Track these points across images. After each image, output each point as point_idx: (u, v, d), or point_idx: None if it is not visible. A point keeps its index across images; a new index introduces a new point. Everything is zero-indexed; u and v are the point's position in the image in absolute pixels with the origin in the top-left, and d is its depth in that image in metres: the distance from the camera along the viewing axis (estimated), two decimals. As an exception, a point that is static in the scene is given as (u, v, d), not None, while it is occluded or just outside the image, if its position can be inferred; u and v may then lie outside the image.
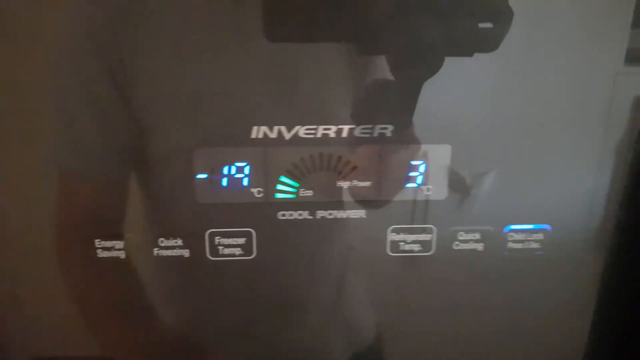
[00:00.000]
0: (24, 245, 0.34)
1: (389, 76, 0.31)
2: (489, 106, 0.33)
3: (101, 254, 0.33)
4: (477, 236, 0.35)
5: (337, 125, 0.32)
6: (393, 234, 0.34)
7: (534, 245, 0.35)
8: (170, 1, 0.29)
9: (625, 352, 0.40)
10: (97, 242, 0.33)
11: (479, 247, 0.35)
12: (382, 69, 0.31)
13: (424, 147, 0.33)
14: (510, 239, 0.35)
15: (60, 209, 0.33)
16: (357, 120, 0.31)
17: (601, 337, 0.39)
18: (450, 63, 0.30)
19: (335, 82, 0.32)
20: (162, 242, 0.33)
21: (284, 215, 0.33)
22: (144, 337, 0.37)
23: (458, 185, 0.33)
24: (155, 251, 0.33)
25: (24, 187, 0.32)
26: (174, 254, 0.33)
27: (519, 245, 0.35)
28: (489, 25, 0.30)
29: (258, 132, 0.31)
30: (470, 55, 0.30)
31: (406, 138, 0.32)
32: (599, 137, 0.34)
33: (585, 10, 0.31)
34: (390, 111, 0.32)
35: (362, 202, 0.34)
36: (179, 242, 0.33)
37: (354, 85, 0.32)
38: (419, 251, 0.35)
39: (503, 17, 0.29)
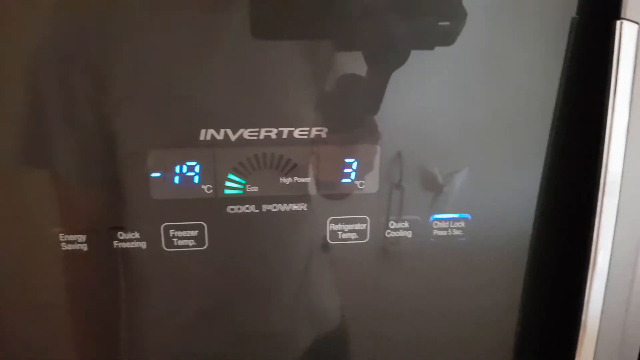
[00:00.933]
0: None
1: (327, 84, 0.35)
2: (417, 110, 0.37)
3: (65, 246, 0.36)
4: (406, 225, 0.39)
5: (277, 127, 0.35)
6: (332, 224, 0.39)
7: (457, 233, 0.39)
8: (127, 8, 0.33)
9: (551, 332, 0.44)
10: (61, 236, 0.36)
11: (408, 234, 0.39)
12: (319, 76, 0.35)
13: (355, 147, 0.37)
14: (435, 227, 0.39)
15: (25, 204, 0.36)
16: (299, 122, 0.35)
17: (528, 317, 0.43)
18: (383, 71, 0.35)
19: (277, 89, 0.35)
20: (121, 235, 0.37)
21: (232, 209, 0.37)
22: (108, 328, 0.40)
23: (387, 179, 0.38)
24: (115, 244, 0.37)
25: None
26: (132, 246, 0.37)
27: (443, 233, 0.39)
28: (446, 23, 0.34)
29: (206, 134, 0.35)
30: (432, 48, 0.35)
31: (340, 139, 0.36)
32: (521, 134, 0.38)
33: (522, 24, 0.36)
34: (327, 115, 0.36)
35: (303, 196, 0.38)
36: (137, 235, 0.37)
37: (293, 91, 0.36)
38: (355, 239, 0.39)
39: (458, 16, 0.34)
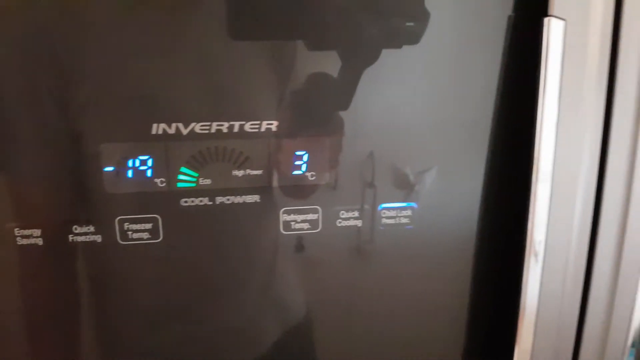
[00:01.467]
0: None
1: (277, 78, 0.37)
2: (365, 103, 0.39)
3: (20, 241, 0.37)
4: (356, 214, 0.41)
5: (228, 121, 0.37)
6: (285, 214, 0.40)
7: (404, 221, 0.41)
8: (78, 6, 0.33)
9: (498, 316, 0.46)
10: (17, 230, 0.37)
11: (359, 223, 0.41)
12: (269, 71, 0.37)
13: (306, 139, 0.38)
14: (384, 215, 0.41)
15: None
16: (250, 116, 0.37)
17: (476, 302, 0.45)
18: (333, 67, 0.37)
19: (227, 83, 0.37)
20: (76, 229, 0.37)
21: (186, 202, 0.38)
22: (66, 323, 0.40)
23: (337, 170, 0.39)
24: (70, 237, 0.37)
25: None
26: (87, 240, 0.38)
27: (391, 221, 0.41)
28: (412, 23, 0.36)
29: (158, 128, 0.36)
30: (400, 47, 0.37)
31: (290, 132, 0.38)
32: (463, 137, 0.40)
33: (460, 25, 0.38)
34: (277, 109, 0.37)
35: (256, 188, 0.39)
36: (92, 228, 0.37)
37: (244, 85, 0.37)
38: (308, 229, 0.40)
39: (422, 17, 0.36)
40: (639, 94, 0.37)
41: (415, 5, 0.36)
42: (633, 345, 0.44)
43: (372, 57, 0.37)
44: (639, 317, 0.43)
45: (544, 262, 0.39)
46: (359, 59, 0.37)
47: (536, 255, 0.39)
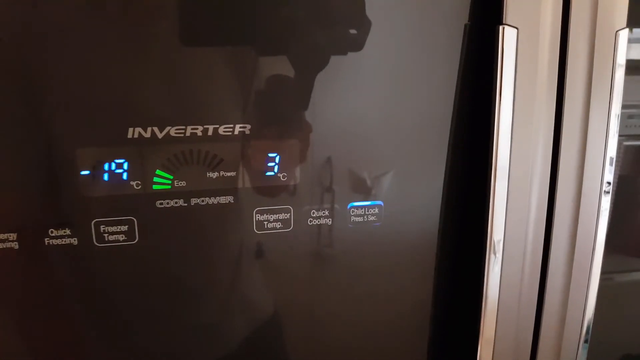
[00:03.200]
0: None
1: (250, 82, 0.38)
2: (334, 105, 0.40)
3: (-5, 246, 0.37)
4: (327, 213, 0.42)
5: (203, 125, 0.38)
6: (258, 214, 0.41)
7: (372, 218, 0.43)
8: (52, 10, 0.34)
9: (463, 313, 0.49)
10: (-9, 235, 0.37)
11: (329, 221, 0.43)
12: (242, 75, 0.38)
13: (277, 142, 0.40)
14: (352, 213, 0.43)
15: None
16: (224, 120, 0.38)
17: (440, 299, 0.47)
18: (304, 70, 0.38)
19: (202, 87, 0.38)
20: (52, 232, 0.38)
21: (161, 203, 0.39)
22: (42, 326, 0.41)
23: (306, 170, 0.41)
24: (47, 241, 0.38)
25: None
26: (63, 243, 0.38)
27: (360, 219, 0.43)
28: (355, 31, 0.38)
29: (134, 132, 0.37)
30: (345, 54, 0.38)
31: (263, 135, 0.39)
32: (426, 138, 0.43)
33: (421, 29, 0.40)
34: (250, 113, 0.39)
35: (230, 189, 0.40)
36: (68, 231, 0.38)
37: (218, 90, 0.38)
38: (280, 228, 0.42)
39: (364, 25, 0.38)
40: (586, 95, 0.40)
41: (357, 13, 0.38)
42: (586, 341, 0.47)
43: (322, 62, 0.39)
44: (592, 305, 0.46)
45: (502, 256, 0.41)
46: (310, 63, 0.39)
47: (495, 250, 0.41)
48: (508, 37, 0.38)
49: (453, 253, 0.46)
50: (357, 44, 0.39)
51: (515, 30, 0.38)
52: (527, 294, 0.43)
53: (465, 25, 0.41)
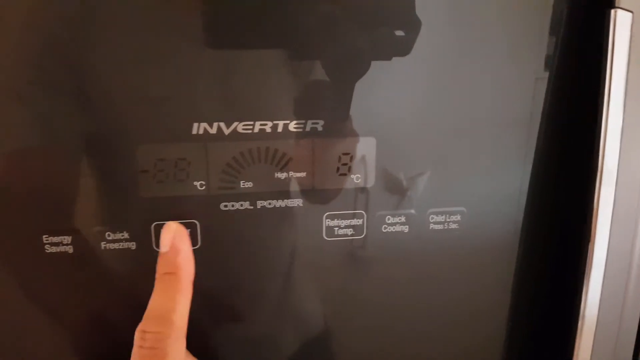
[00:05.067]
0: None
1: (322, 77, 0.35)
2: (413, 104, 0.36)
3: (49, 249, 0.35)
4: (403, 219, 0.38)
5: (272, 120, 0.34)
6: (328, 220, 0.38)
7: (453, 226, 0.39)
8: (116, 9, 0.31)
9: (542, 323, 0.44)
10: (45, 238, 0.34)
11: (405, 229, 0.38)
12: (314, 70, 0.35)
13: (352, 140, 0.36)
14: (431, 220, 0.39)
15: (6, 204, 0.34)
16: (295, 115, 0.35)
17: (519, 308, 0.43)
18: (379, 66, 0.34)
19: (272, 81, 0.34)
20: (109, 235, 0.35)
21: (226, 206, 0.36)
22: (97, 332, 0.38)
23: (382, 173, 0.37)
24: (103, 245, 0.35)
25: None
26: (120, 247, 0.35)
27: (439, 226, 0.39)
28: (402, 33, 0.34)
29: (199, 128, 0.34)
30: (389, 59, 0.34)
31: (336, 132, 0.36)
32: (511, 139, 0.38)
33: (507, 21, 0.36)
34: (323, 108, 0.35)
35: (299, 191, 0.37)
36: (126, 235, 0.35)
37: (288, 84, 0.35)
38: (351, 235, 0.38)
39: (413, 26, 0.33)
40: None
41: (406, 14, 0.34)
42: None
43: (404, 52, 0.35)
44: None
45: (604, 272, 0.37)
46: (391, 55, 0.35)
47: (598, 261, 0.36)
48: (621, 22, 0.33)
49: (535, 263, 0.42)
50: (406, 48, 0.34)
51: (630, 14, 0.33)
52: (630, 312, 0.39)
53: (562, 11, 0.36)
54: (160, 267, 0.34)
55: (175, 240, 0.33)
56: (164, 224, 0.35)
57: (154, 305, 0.33)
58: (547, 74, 0.37)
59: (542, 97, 0.38)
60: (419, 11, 0.34)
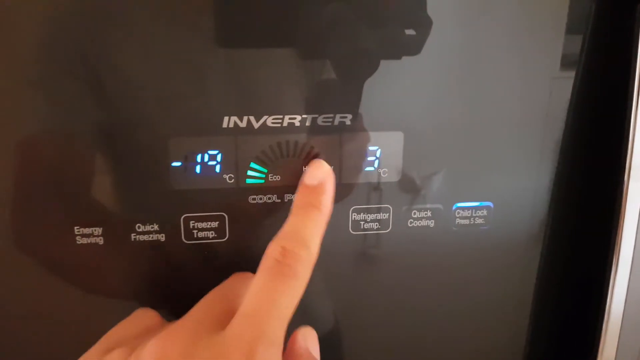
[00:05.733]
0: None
1: (351, 72, 0.35)
2: (440, 99, 0.36)
3: (80, 240, 0.35)
4: (429, 214, 0.38)
5: (301, 114, 0.35)
6: (354, 214, 0.38)
7: (479, 221, 0.39)
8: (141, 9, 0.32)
9: (565, 321, 0.44)
10: (77, 229, 0.35)
11: (431, 223, 0.39)
12: (344, 65, 0.35)
13: (379, 134, 0.36)
14: (458, 215, 0.39)
15: (37, 196, 0.34)
16: (324, 109, 0.35)
17: (543, 305, 0.43)
18: (407, 62, 0.35)
19: (301, 76, 0.35)
20: (139, 227, 0.35)
21: (254, 199, 0.36)
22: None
23: (409, 167, 0.37)
24: (133, 236, 0.36)
25: None
26: (150, 239, 0.36)
27: (465, 221, 0.39)
28: (412, 32, 0.34)
29: (229, 121, 0.34)
30: (399, 58, 0.34)
31: (364, 126, 0.36)
32: (538, 134, 0.38)
33: (523, 21, 0.36)
34: (351, 102, 0.35)
35: (326, 185, 0.37)
36: (155, 227, 0.36)
37: (318, 79, 0.35)
38: (377, 229, 0.38)
39: (423, 25, 0.34)
40: None
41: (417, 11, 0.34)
42: None
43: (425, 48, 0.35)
44: None
45: (631, 270, 0.37)
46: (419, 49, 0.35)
47: (623, 263, 0.36)
48: (652, 18, 0.33)
49: (560, 260, 0.42)
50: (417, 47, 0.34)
51: (662, 9, 0.33)
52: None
53: (590, 7, 0.36)
54: (303, 196, 0.34)
55: (325, 181, 0.34)
56: (193, 216, 0.36)
57: (293, 228, 0.33)
58: (575, 69, 0.37)
59: (569, 94, 0.38)
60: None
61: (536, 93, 0.37)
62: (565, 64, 0.37)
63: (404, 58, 0.35)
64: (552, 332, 0.45)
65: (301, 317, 0.41)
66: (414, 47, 0.35)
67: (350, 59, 0.34)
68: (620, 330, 0.38)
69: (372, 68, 0.35)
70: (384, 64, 0.35)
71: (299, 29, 0.33)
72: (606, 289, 0.37)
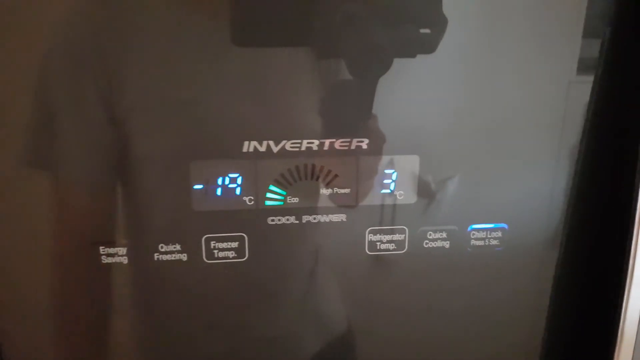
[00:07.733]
0: (23, 253, 0.36)
1: (367, 97, 0.36)
2: (452, 118, 0.37)
3: (105, 260, 0.36)
4: (444, 235, 0.39)
5: (319, 139, 0.36)
6: (371, 234, 0.39)
7: (494, 243, 0.39)
8: (156, 21, 0.33)
9: (578, 343, 0.44)
10: (102, 249, 0.36)
11: (446, 245, 0.39)
12: (360, 90, 0.36)
13: (395, 158, 0.37)
14: (473, 237, 0.39)
15: (63, 217, 0.36)
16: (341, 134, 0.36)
17: (556, 326, 0.43)
18: (424, 87, 0.35)
19: (319, 102, 0.36)
20: (162, 247, 0.37)
21: (273, 220, 0.37)
22: (145, 338, 0.40)
23: (424, 189, 0.38)
24: (156, 256, 0.37)
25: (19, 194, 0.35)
26: (173, 259, 0.37)
27: (480, 243, 0.39)
28: (427, 30, 0.34)
29: (249, 146, 0.35)
30: (414, 56, 0.35)
31: (380, 150, 0.37)
32: (555, 142, 0.38)
33: (540, 24, 0.36)
34: (368, 127, 0.36)
35: (343, 207, 0.38)
36: (178, 247, 0.37)
37: (335, 105, 0.36)
38: (393, 250, 0.39)
39: (439, 24, 0.34)
40: None
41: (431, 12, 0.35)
42: None
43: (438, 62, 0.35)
44: None
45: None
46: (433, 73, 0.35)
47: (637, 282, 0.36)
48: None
49: (575, 280, 0.42)
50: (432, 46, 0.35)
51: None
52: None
53: (610, 11, 0.36)
54: None
55: None
56: (214, 236, 0.37)
57: None
58: (592, 76, 0.37)
59: (583, 109, 0.38)
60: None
61: (553, 104, 0.38)
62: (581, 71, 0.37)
63: (419, 82, 0.36)
64: (565, 352, 0.45)
65: (320, 337, 0.42)
66: (430, 46, 0.35)
67: (370, 85, 0.35)
68: (635, 344, 0.38)
69: (382, 69, 0.35)
70: (400, 85, 0.35)
71: (320, 59, 0.34)
72: (621, 300, 0.37)
